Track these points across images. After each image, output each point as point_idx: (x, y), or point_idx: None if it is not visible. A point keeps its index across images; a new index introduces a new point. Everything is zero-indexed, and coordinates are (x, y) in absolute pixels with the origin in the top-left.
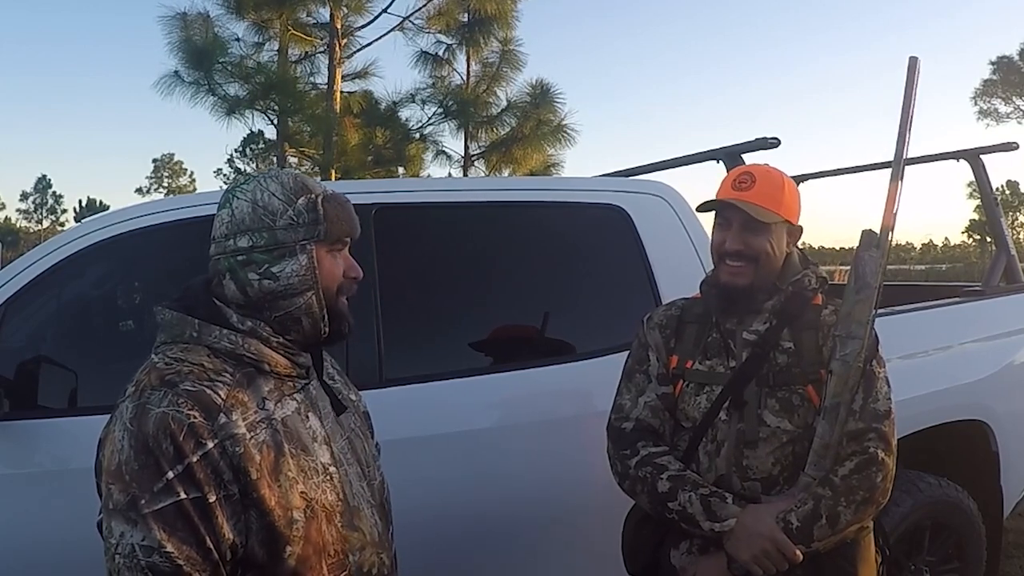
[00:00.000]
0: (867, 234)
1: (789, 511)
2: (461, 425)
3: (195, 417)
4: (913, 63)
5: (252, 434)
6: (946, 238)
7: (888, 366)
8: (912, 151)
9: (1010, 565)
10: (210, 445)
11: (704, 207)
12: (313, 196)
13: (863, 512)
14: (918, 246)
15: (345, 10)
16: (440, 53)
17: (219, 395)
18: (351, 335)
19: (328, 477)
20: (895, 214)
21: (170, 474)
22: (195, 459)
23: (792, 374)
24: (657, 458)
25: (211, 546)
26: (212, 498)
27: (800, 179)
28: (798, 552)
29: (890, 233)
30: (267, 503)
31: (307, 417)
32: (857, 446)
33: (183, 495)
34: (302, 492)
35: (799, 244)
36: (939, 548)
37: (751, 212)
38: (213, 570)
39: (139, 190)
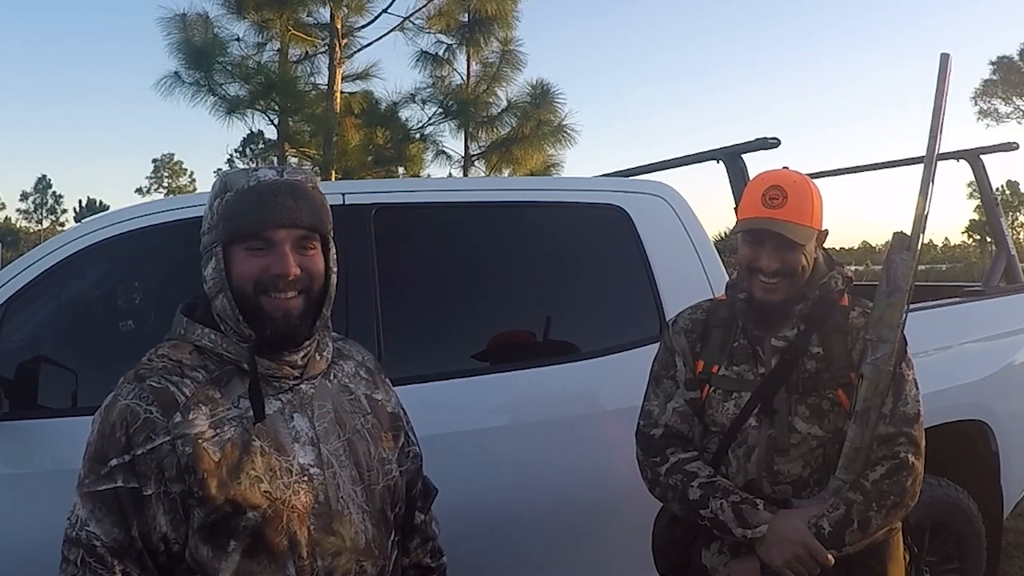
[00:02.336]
0: (898, 237)
1: (821, 516)
2: (462, 425)
3: (152, 412)
4: (944, 60)
5: (217, 431)
6: (946, 238)
7: None
8: (912, 151)
9: (1010, 565)
10: (159, 440)
11: (741, 230)
12: (226, 195)
13: (893, 516)
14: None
15: (345, 10)
16: (440, 53)
17: (183, 393)
18: (291, 338)
19: (306, 478)
20: (926, 215)
21: (114, 462)
22: (140, 452)
23: (822, 379)
24: (687, 464)
25: (136, 535)
26: (149, 491)
27: None
28: (830, 557)
29: (921, 236)
30: (214, 500)
31: (291, 417)
32: (888, 450)
33: (121, 483)
34: (265, 491)
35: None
36: (939, 548)
37: (790, 235)
38: (137, 557)
39: (139, 190)
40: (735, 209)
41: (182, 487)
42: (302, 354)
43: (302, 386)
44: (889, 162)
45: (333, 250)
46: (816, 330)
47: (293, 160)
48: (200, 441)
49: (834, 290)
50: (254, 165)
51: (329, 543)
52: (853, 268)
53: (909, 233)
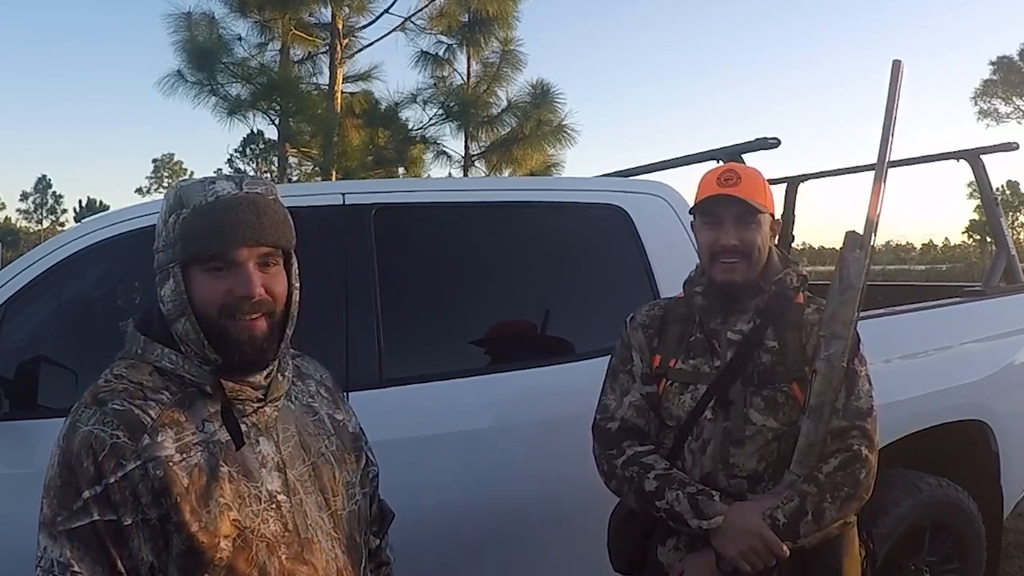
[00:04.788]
0: (851, 235)
1: (775, 508)
2: (461, 425)
3: (119, 437)
4: (896, 67)
5: (183, 456)
6: (946, 238)
7: (888, 366)
8: (912, 151)
9: (1010, 565)
10: (131, 466)
11: (701, 205)
12: (182, 212)
13: (847, 508)
14: (918, 246)
15: (347, 10)
16: (441, 53)
17: (148, 415)
18: (246, 359)
19: (274, 506)
20: (879, 214)
21: (86, 494)
22: (113, 480)
23: (777, 372)
24: (643, 457)
25: (123, 570)
26: (127, 521)
27: (800, 179)
28: (785, 547)
29: (874, 233)
30: (188, 527)
31: (257, 442)
32: (841, 443)
33: (97, 516)
34: (235, 520)
35: (793, 244)
36: (939, 548)
37: (748, 201)
38: None
39: (139, 190)
40: None
41: (160, 511)
42: (265, 375)
43: (266, 408)
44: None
45: (295, 265)
46: (772, 324)
47: (294, 160)
48: (170, 464)
49: (789, 286)
50: (212, 176)
51: (302, 572)
52: None
53: (862, 232)
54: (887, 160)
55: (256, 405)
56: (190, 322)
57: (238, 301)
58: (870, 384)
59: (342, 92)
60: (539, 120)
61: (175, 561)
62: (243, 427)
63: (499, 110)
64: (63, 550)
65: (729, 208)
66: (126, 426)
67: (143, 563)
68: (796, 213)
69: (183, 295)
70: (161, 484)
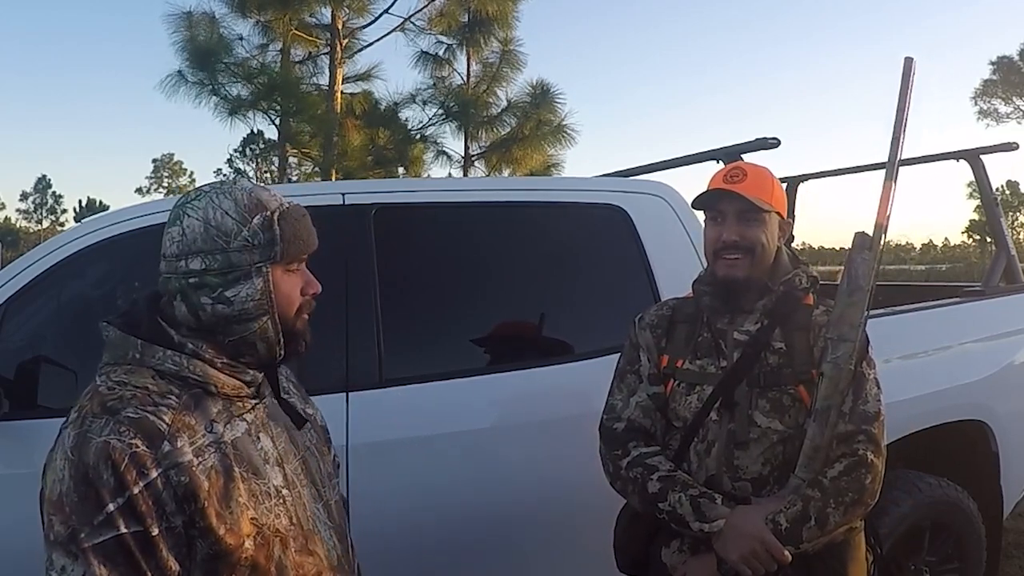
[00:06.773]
0: (860, 236)
1: (778, 512)
2: (461, 425)
3: (138, 446)
4: (908, 64)
5: (199, 460)
6: (946, 238)
7: (888, 366)
8: (912, 151)
9: (1010, 565)
10: (154, 475)
11: (701, 198)
12: (268, 214)
13: (852, 513)
14: (918, 246)
15: (347, 11)
16: (440, 53)
17: (164, 421)
18: (307, 352)
19: (281, 500)
20: (888, 216)
21: (111, 507)
22: (137, 491)
23: (783, 374)
24: (648, 458)
25: None
26: (155, 531)
27: (800, 179)
28: (787, 553)
29: (883, 234)
30: (215, 531)
31: (258, 438)
32: (847, 448)
33: (124, 529)
34: (252, 518)
35: (793, 244)
36: (939, 548)
37: (749, 198)
38: None
39: (139, 190)
40: None
41: (184, 518)
42: (255, 373)
43: (261, 406)
44: (883, 164)
45: None
46: (779, 325)
47: (294, 160)
48: (192, 469)
49: (798, 287)
50: (257, 183)
51: (309, 564)
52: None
53: (871, 233)
54: (898, 160)
55: (253, 402)
56: (271, 320)
57: (310, 300)
58: (879, 388)
59: (342, 92)
60: (539, 120)
61: (200, 566)
62: (244, 424)
63: (499, 110)
64: (88, 568)
65: (731, 204)
66: (143, 434)
67: (170, 572)
68: (796, 213)
69: (271, 294)
70: (186, 490)
